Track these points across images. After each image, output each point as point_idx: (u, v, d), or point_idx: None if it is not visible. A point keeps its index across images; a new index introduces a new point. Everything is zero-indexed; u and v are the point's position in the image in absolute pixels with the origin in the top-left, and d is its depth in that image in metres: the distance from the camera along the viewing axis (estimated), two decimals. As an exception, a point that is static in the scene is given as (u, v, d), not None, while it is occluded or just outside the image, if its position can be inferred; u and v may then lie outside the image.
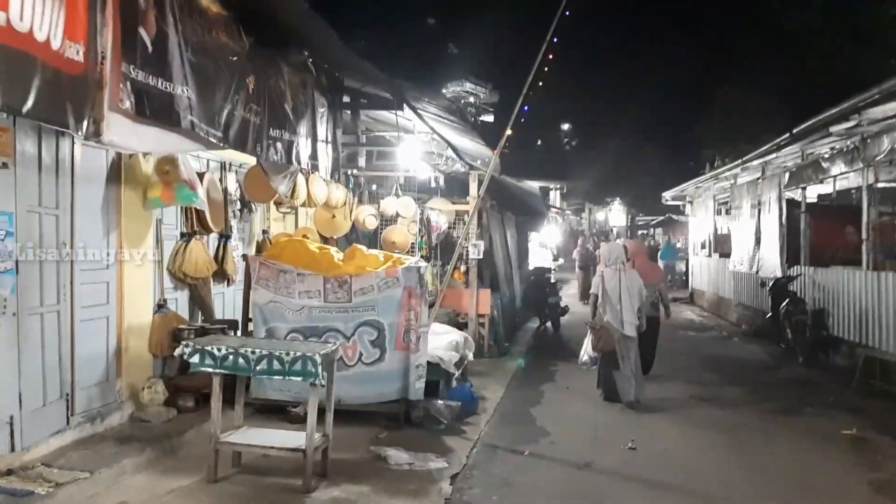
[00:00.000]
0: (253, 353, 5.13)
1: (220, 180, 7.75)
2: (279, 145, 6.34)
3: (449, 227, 11.55)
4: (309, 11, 5.57)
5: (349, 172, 10.14)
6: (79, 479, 4.92)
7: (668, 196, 23.21)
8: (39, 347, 5.37)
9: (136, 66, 4.27)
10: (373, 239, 10.26)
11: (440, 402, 6.92)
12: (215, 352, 5.15)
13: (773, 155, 12.17)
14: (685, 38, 36.43)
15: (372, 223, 9.97)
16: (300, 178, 7.89)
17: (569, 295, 18.53)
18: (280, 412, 6.72)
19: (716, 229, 18.69)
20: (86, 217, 5.84)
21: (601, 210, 44.48)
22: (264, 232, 8.99)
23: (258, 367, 5.15)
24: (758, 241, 13.53)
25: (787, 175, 12.35)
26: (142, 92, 4.31)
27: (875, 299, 9.24)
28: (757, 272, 13.49)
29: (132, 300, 6.46)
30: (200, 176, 6.95)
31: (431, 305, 7.60)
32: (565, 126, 49.15)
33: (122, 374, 6.35)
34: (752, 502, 5.42)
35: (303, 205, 8.60)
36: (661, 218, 32.75)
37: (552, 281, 15.38)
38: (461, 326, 9.69)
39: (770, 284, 12.31)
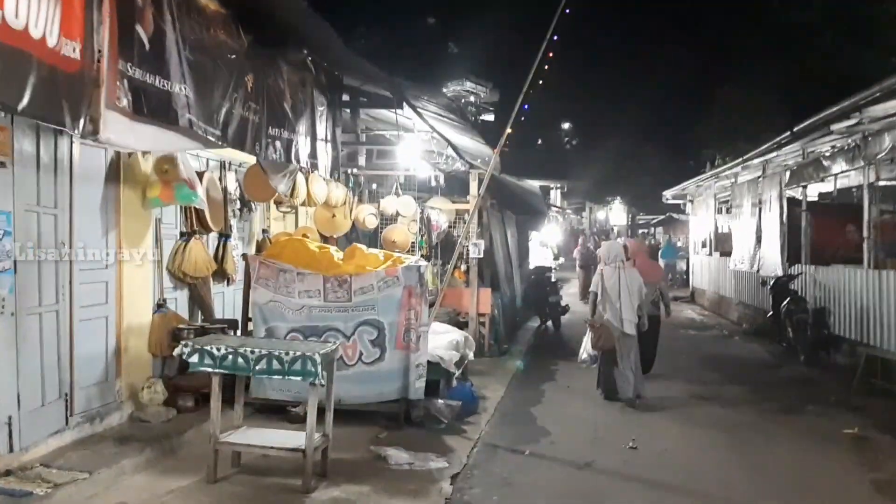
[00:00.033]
0: (252, 352, 5.11)
1: (220, 179, 7.73)
2: (278, 144, 6.31)
3: (449, 226, 11.54)
4: (308, 10, 5.55)
5: (349, 171, 10.13)
6: (77, 479, 4.90)
7: (668, 195, 23.21)
8: (38, 347, 5.35)
9: (134, 64, 4.25)
10: (373, 238, 10.25)
11: (440, 401, 6.90)
12: (214, 351, 5.13)
13: (774, 153, 12.16)
14: (685, 38, 36.54)
15: (372, 222, 9.96)
16: (300, 177, 7.88)
17: (569, 294, 18.51)
18: (280, 412, 6.71)
19: (716, 228, 18.68)
20: (85, 216, 5.82)
21: (602, 209, 44.50)
22: (264, 231, 8.97)
23: (257, 367, 5.13)
24: (759, 240, 13.50)
25: (787, 173, 12.32)
26: (139, 90, 4.29)
27: (876, 298, 9.21)
28: (758, 271, 13.47)
29: (131, 300, 6.44)
30: (200, 175, 6.93)
31: (432, 305, 7.59)
32: (566, 125, 49.17)
33: (122, 373, 6.33)
34: (752, 502, 5.40)
35: (302, 204, 8.58)
36: (662, 217, 32.74)
37: (553, 280, 15.36)
38: (461, 326, 9.68)
39: (771, 283, 12.30)
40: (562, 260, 27.69)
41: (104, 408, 6.09)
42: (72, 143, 5.58)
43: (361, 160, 10.48)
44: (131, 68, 4.24)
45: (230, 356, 5.12)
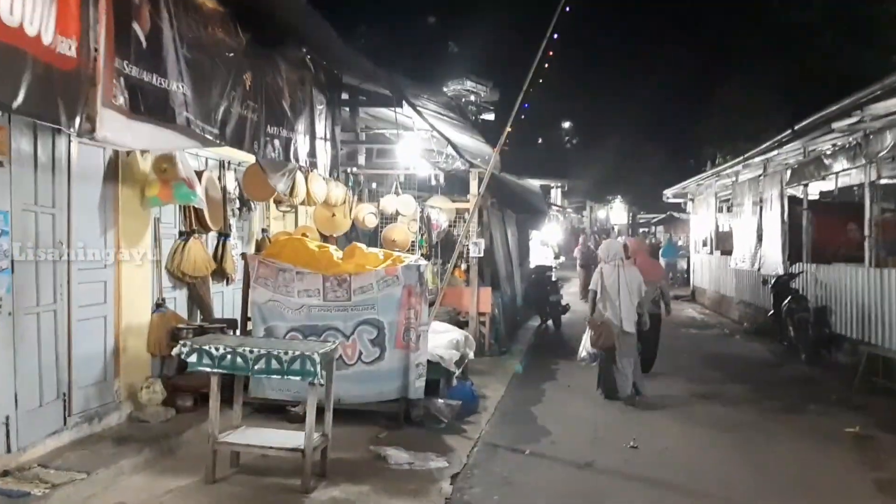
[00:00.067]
0: (251, 352, 5.09)
1: (219, 178, 7.71)
2: (277, 143, 6.29)
3: (449, 226, 11.51)
4: (307, 8, 5.52)
5: (348, 170, 10.10)
6: (76, 479, 4.89)
7: (669, 194, 23.18)
8: (36, 347, 5.33)
9: (130, 62, 4.22)
10: (373, 237, 10.23)
11: (440, 400, 6.88)
12: (213, 351, 5.11)
13: (775, 152, 12.13)
14: (685, 37, 36.50)
15: (372, 221, 9.94)
16: (299, 176, 7.86)
17: (570, 293, 18.50)
18: (279, 412, 6.68)
19: (717, 227, 18.67)
20: (83, 216, 5.80)
21: (602, 208, 44.50)
22: (263, 230, 8.95)
23: (256, 367, 5.11)
24: (759, 239, 13.48)
25: (788, 172, 12.30)
26: (136, 88, 4.27)
27: (878, 296, 9.19)
28: (759, 269, 13.44)
29: (130, 299, 6.42)
30: (199, 174, 6.91)
31: (432, 304, 7.56)
32: (566, 124, 49.16)
33: (120, 373, 6.31)
34: (753, 501, 5.38)
35: (302, 203, 8.57)
36: (663, 216, 32.75)
37: (553, 279, 15.33)
38: (462, 325, 9.65)
39: (772, 282, 12.29)
40: (562, 259, 27.66)
41: (102, 408, 6.07)
42: (70, 142, 5.56)
43: (361, 159, 10.46)
44: (128, 66, 4.21)
45: (229, 356, 5.10)
